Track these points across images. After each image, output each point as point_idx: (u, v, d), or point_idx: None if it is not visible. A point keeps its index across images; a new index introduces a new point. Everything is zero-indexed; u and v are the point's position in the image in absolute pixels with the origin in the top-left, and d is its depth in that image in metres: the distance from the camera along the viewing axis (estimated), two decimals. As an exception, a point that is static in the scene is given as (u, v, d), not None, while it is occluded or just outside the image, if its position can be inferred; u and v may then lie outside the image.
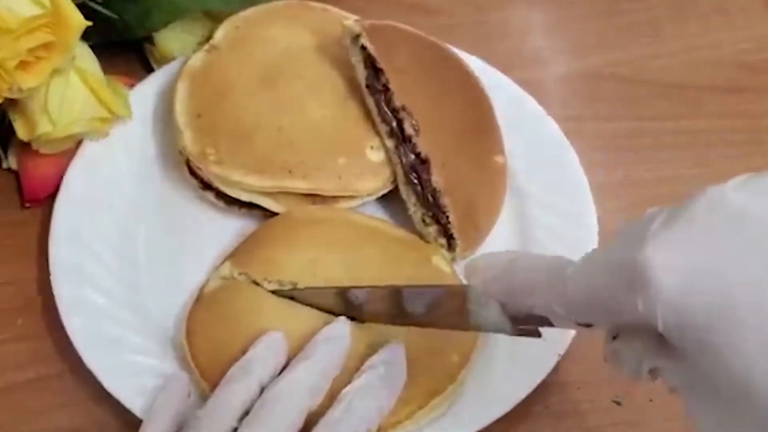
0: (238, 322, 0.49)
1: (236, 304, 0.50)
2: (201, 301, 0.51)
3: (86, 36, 0.53)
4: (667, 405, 0.53)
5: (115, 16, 0.57)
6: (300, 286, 0.50)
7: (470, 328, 0.45)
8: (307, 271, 0.51)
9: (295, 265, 0.51)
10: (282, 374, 0.45)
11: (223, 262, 0.53)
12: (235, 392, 0.44)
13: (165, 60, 0.62)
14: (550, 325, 0.39)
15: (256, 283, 0.51)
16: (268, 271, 0.51)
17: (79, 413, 0.50)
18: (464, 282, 0.53)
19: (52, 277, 0.52)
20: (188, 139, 0.55)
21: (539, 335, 0.42)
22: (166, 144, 0.59)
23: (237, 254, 0.53)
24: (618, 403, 0.53)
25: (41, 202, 0.57)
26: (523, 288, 0.39)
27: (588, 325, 0.36)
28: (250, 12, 0.61)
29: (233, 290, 0.51)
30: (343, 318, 0.49)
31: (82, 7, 0.52)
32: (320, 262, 0.52)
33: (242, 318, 0.49)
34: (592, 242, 0.55)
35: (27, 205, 0.57)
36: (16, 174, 0.58)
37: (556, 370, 0.52)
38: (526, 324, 0.42)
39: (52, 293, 0.51)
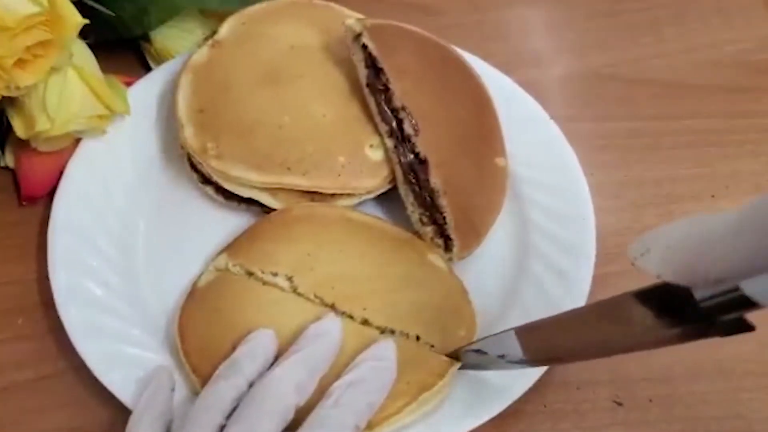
0: (230, 317, 0.49)
1: (228, 298, 0.50)
2: (193, 295, 0.51)
3: (84, 34, 0.53)
4: (667, 405, 0.53)
5: (113, 14, 0.57)
6: (295, 279, 0.50)
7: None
8: (304, 265, 0.51)
9: (291, 258, 0.52)
10: (269, 370, 0.45)
11: (218, 254, 0.53)
12: (222, 390, 0.43)
13: (162, 58, 0.62)
14: (752, 305, 0.35)
15: (251, 274, 0.51)
16: (264, 262, 0.51)
17: (79, 413, 0.50)
18: (460, 279, 0.53)
19: (49, 266, 0.52)
20: (189, 134, 0.55)
21: (751, 327, 0.36)
22: (168, 138, 0.59)
23: (233, 246, 0.53)
24: (618, 403, 0.53)
25: (39, 200, 0.57)
26: (705, 251, 0.35)
27: None
28: (255, 9, 0.61)
29: (225, 284, 0.51)
30: (332, 313, 0.49)
31: (80, 5, 0.51)
32: (316, 256, 0.52)
33: (234, 313, 0.49)
34: (590, 248, 0.55)
35: (24, 203, 0.57)
36: (12, 172, 0.58)
37: (555, 369, 0.52)
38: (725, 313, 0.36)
39: (52, 293, 0.51)
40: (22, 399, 0.51)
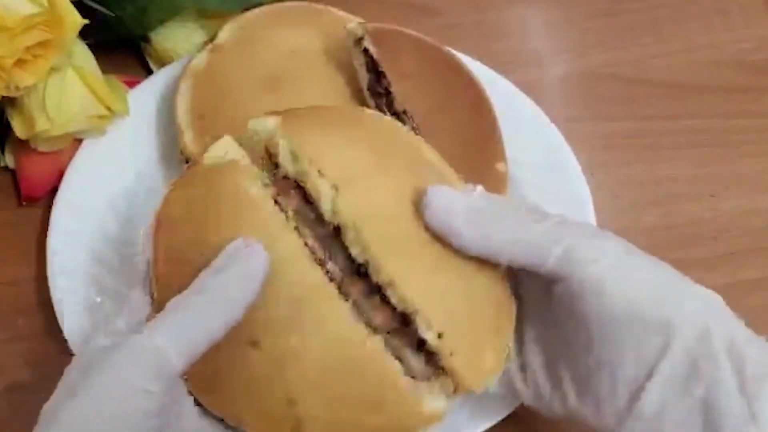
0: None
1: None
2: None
3: (84, 34, 0.53)
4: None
5: (112, 14, 0.57)
6: (340, 191, 0.42)
7: None
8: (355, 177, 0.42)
9: (347, 163, 0.43)
10: None
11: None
12: None
13: (162, 59, 0.62)
14: None
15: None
16: (316, 153, 0.43)
17: (77, 413, 0.50)
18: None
19: (48, 274, 0.52)
20: (189, 139, 0.55)
21: None
22: (167, 143, 0.59)
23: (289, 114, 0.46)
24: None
25: (39, 200, 0.57)
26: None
27: None
28: (255, 13, 0.61)
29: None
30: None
31: (80, 5, 0.52)
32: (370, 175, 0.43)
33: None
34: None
35: (24, 203, 0.57)
36: (12, 172, 0.58)
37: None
38: None
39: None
40: (22, 399, 0.51)
